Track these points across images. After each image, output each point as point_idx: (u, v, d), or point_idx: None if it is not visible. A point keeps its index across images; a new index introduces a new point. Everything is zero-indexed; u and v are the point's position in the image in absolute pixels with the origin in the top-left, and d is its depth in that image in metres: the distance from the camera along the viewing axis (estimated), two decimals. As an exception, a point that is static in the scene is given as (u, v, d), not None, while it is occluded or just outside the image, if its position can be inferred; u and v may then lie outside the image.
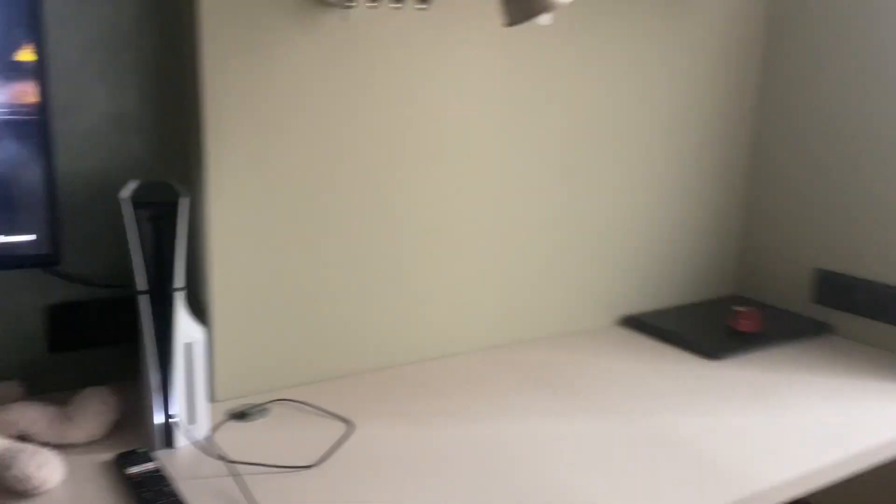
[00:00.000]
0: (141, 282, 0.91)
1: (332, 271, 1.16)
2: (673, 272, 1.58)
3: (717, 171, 1.59)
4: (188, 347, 0.95)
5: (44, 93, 0.95)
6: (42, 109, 0.95)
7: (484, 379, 1.22)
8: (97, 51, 1.05)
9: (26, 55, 0.93)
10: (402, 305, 1.24)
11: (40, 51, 0.94)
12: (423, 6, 0.93)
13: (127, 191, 0.93)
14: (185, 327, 0.94)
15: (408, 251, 1.23)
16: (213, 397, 1.10)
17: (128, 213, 0.88)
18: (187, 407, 0.96)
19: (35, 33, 0.93)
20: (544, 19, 0.91)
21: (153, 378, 0.93)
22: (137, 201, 0.89)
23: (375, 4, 1.04)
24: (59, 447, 0.94)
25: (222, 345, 1.09)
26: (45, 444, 0.92)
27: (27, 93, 0.94)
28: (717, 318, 1.52)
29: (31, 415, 0.94)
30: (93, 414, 0.96)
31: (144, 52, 1.07)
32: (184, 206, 0.92)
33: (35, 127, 0.95)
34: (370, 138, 1.15)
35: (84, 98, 1.05)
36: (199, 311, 1.10)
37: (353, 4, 1.05)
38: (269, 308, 1.11)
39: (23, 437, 0.93)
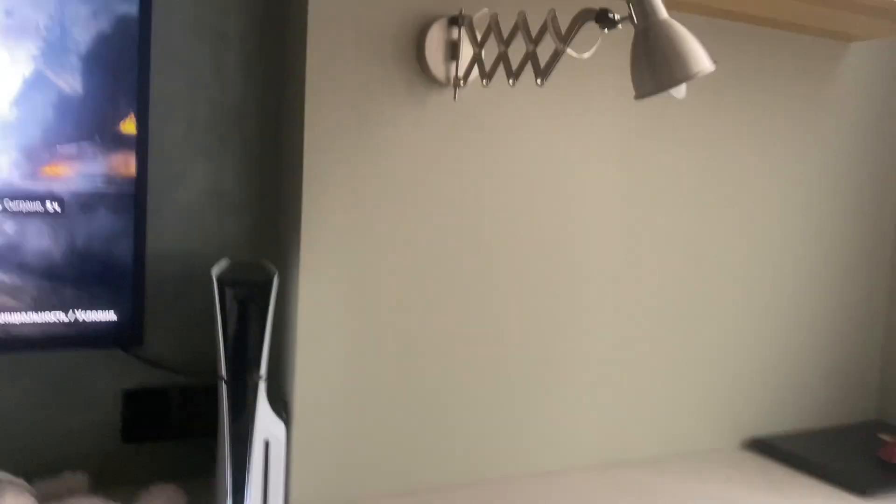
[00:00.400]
0: (223, 367, 0.82)
1: (430, 372, 1.05)
2: (807, 390, 1.40)
3: (859, 270, 1.42)
4: (268, 445, 0.85)
5: (142, 166, 0.92)
6: (139, 183, 0.92)
7: (587, 500, 1.06)
8: (199, 128, 1.02)
9: (128, 127, 0.91)
10: (504, 413, 1.11)
11: (142, 124, 0.91)
12: (539, 83, 0.86)
13: (217, 268, 0.87)
14: (267, 422, 0.85)
15: (514, 353, 1.11)
16: (288, 501, 0.99)
17: (215, 291, 0.81)
18: (261, 511, 0.85)
19: (140, 105, 0.91)
20: (679, 91, 0.82)
21: (227, 476, 0.82)
22: (225, 279, 0.82)
23: (486, 83, 0.98)
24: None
25: (302, 444, 0.98)
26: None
27: (126, 165, 0.91)
28: (862, 446, 1.31)
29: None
30: (157, 514, 0.86)
31: (245, 131, 1.04)
32: (274, 286, 0.85)
33: (130, 200, 0.91)
34: (478, 226, 1.06)
35: (183, 174, 1.02)
36: (280, 405, 1.00)
37: (462, 84, 0.99)
38: (357, 407, 1.01)
39: (81, 536, 0.84)
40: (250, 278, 0.84)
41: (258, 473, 0.84)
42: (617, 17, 0.81)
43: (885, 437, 1.34)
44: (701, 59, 0.77)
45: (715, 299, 1.28)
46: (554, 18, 0.86)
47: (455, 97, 1.01)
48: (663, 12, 0.78)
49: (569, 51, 0.87)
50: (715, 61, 0.79)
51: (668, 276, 1.22)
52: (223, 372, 0.82)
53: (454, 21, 0.99)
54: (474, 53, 0.97)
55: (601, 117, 1.13)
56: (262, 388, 0.84)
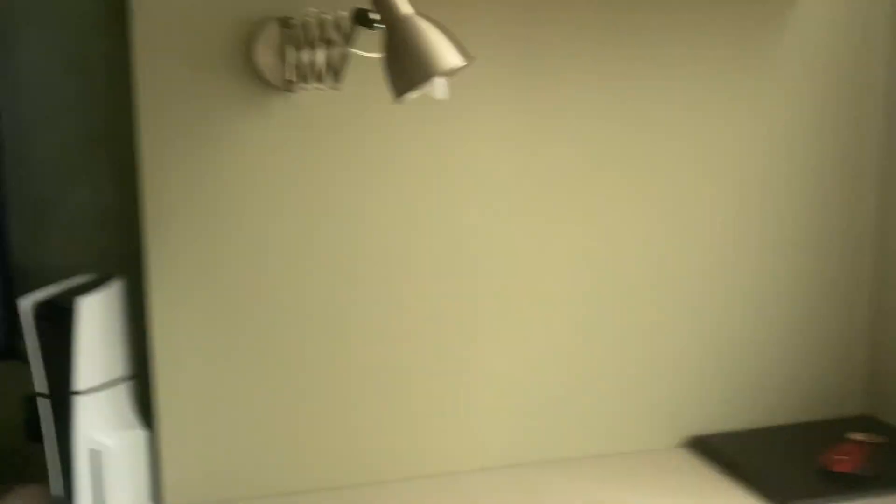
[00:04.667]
0: (40, 384, 0.88)
1: (300, 372, 1.06)
2: (774, 381, 1.26)
3: (835, 242, 1.26)
4: (98, 454, 0.90)
5: (0, 191, 0.98)
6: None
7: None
8: (74, 150, 1.07)
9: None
10: (390, 411, 1.10)
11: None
12: (334, 87, 0.83)
13: (44, 292, 0.92)
14: (92, 433, 0.89)
15: (399, 350, 1.09)
16: (162, 501, 1.04)
17: (25, 315, 0.86)
18: (97, 517, 0.90)
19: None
20: (439, 91, 0.76)
21: (53, 485, 0.88)
22: (37, 301, 0.87)
23: (322, 87, 0.95)
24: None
25: (171, 448, 1.03)
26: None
27: (-19, 193, 0.97)
28: (819, 448, 1.17)
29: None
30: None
31: (117, 152, 1.08)
32: (84, 308, 0.88)
33: (-12, 224, 0.98)
34: (330, 229, 1.05)
35: (60, 194, 1.07)
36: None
37: (300, 87, 0.97)
38: (224, 411, 1.04)
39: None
40: (59, 298, 0.88)
41: (85, 482, 0.89)
42: (375, 17, 0.77)
43: (857, 436, 1.20)
44: (446, 55, 0.72)
45: (658, 267, 1.17)
46: (338, 20, 0.83)
47: (286, 102, 0.99)
48: (404, 9, 0.73)
49: (357, 51, 0.83)
50: (470, 56, 0.73)
51: (592, 241, 1.14)
52: (41, 388, 0.87)
53: (285, 23, 0.97)
54: (296, 57, 0.94)
55: (477, 95, 1.06)
56: (80, 401, 0.89)
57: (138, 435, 0.99)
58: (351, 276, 1.06)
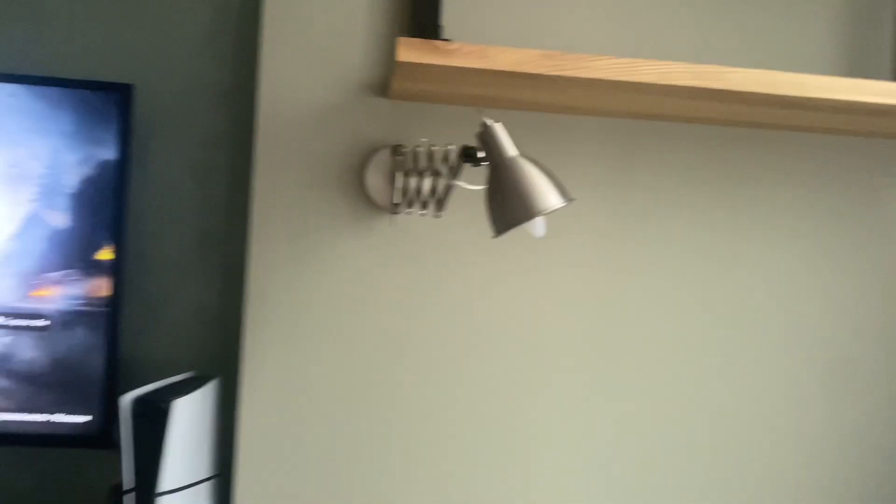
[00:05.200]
0: (128, 478, 0.90)
1: (385, 491, 1.04)
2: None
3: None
4: (172, 557, 0.90)
5: (117, 289, 1.05)
6: (114, 303, 1.05)
7: None
8: (187, 251, 1.14)
9: (106, 255, 1.05)
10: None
11: (119, 252, 1.05)
12: (436, 215, 0.85)
13: (143, 389, 0.96)
14: (169, 535, 0.90)
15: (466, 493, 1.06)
16: None
17: (123, 410, 0.90)
18: None
19: (116, 235, 1.05)
20: (537, 230, 0.77)
21: (126, 584, 0.89)
22: (136, 398, 0.91)
23: (425, 213, 0.99)
24: None
25: (242, 556, 1.02)
26: None
27: (103, 288, 1.05)
28: None
29: None
30: None
31: (227, 256, 1.14)
32: (178, 410, 0.91)
33: (104, 318, 1.05)
34: (422, 344, 1.05)
35: (171, 292, 1.14)
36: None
37: (398, 212, 1.00)
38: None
39: None
40: (156, 397, 0.92)
41: (158, 583, 0.89)
42: (482, 154, 0.79)
43: None
44: (547, 196, 0.73)
45: (739, 414, 1.11)
46: (447, 153, 0.86)
47: (391, 224, 1.03)
48: (510, 150, 0.75)
49: (460, 183, 0.86)
50: (570, 197, 0.73)
51: (678, 385, 1.10)
52: (128, 484, 0.90)
53: (396, 151, 1.02)
54: (403, 183, 0.98)
55: (570, 226, 1.07)
56: (162, 501, 0.90)
57: (213, 539, 0.99)
58: (442, 391, 1.06)
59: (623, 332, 1.09)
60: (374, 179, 1.01)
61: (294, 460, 1.03)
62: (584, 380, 1.08)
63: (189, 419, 0.95)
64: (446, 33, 1.01)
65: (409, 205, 0.97)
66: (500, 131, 0.75)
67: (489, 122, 0.75)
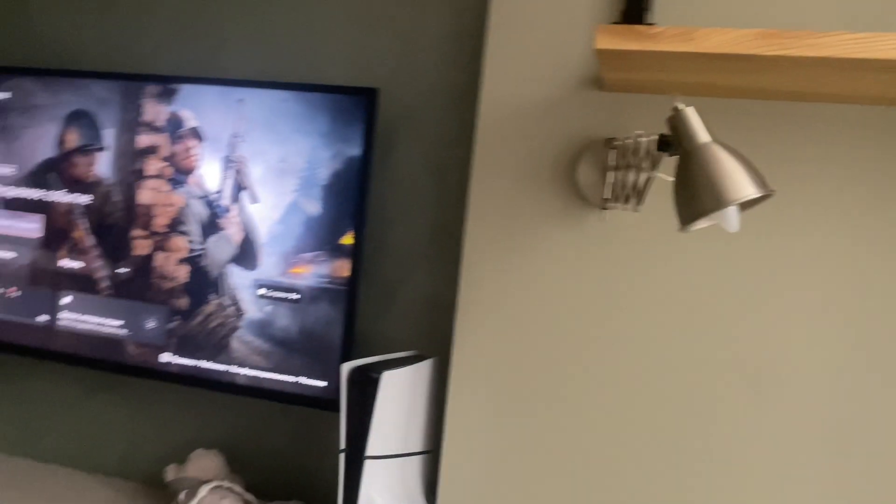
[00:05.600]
0: (343, 440, 1.00)
1: (581, 471, 1.03)
2: None
3: None
4: (375, 516, 0.99)
5: (355, 271, 1.17)
6: (352, 283, 1.17)
7: None
8: (422, 241, 1.23)
9: (348, 240, 1.18)
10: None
11: (358, 237, 1.17)
12: (634, 209, 0.81)
13: (365, 360, 1.06)
14: (373, 496, 0.99)
15: (687, 456, 1.00)
16: (428, 582, 1.09)
17: (342, 377, 1.00)
18: (364, 575, 0.99)
19: (357, 223, 1.17)
20: (731, 223, 0.69)
21: (337, 533, 0.99)
22: (354, 369, 1.01)
23: (626, 208, 0.95)
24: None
25: (444, 530, 1.08)
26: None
27: (344, 269, 1.18)
28: None
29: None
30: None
31: (455, 245, 1.21)
32: (387, 380, 0.99)
33: (344, 296, 1.18)
34: (627, 339, 1.01)
35: (405, 277, 1.24)
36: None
37: (613, 206, 0.98)
38: (503, 497, 1.06)
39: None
40: (371, 368, 1.00)
41: (362, 538, 0.98)
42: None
43: None
44: (739, 185, 0.67)
45: None
46: (641, 145, 0.83)
47: (601, 219, 1.00)
48: (702, 136, 0.70)
49: (661, 175, 0.82)
50: (768, 187, 0.66)
51: None
52: (342, 445, 1.00)
53: (610, 144, 1.00)
54: (614, 177, 0.96)
55: (800, 238, 0.95)
56: (368, 464, 0.99)
57: (418, 509, 1.06)
58: (645, 382, 1.01)
59: (880, 364, 0.93)
60: (586, 173, 1.00)
61: (498, 444, 1.06)
62: (828, 418, 0.95)
63: (399, 392, 1.03)
64: (659, 19, 0.96)
65: (617, 199, 0.94)
66: (692, 116, 0.70)
67: (680, 105, 0.70)
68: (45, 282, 1.32)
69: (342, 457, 1.00)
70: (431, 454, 1.13)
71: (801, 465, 0.95)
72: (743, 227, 0.93)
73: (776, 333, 0.96)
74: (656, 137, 0.81)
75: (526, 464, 1.05)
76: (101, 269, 1.29)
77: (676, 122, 0.71)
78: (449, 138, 1.22)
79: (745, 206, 0.69)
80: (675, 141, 0.71)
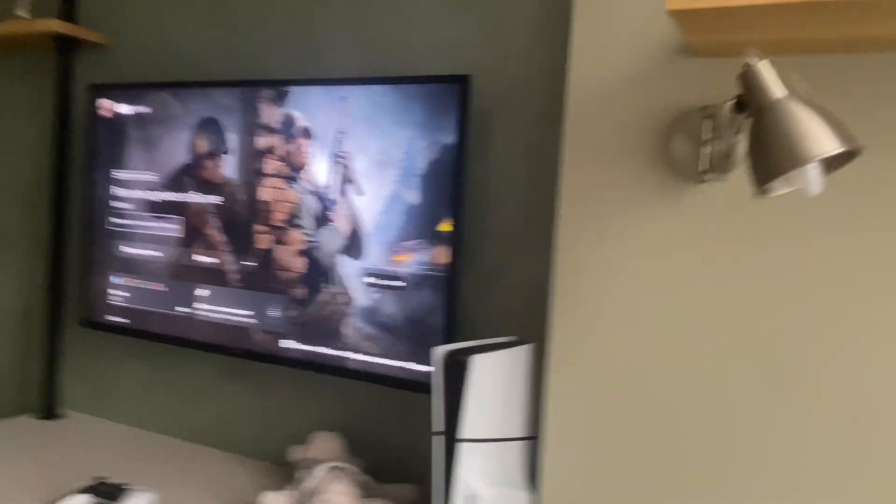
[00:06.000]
0: (437, 423, 1.02)
1: (686, 456, 0.98)
2: None
3: None
4: (470, 500, 1.00)
5: (455, 257, 1.19)
6: (452, 269, 1.19)
7: None
8: (517, 228, 1.23)
9: (446, 227, 1.19)
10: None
11: (458, 224, 1.19)
12: (719, 178, 0.76)
13: (459, 344, 1.07)
14: (469, 480, 1.00)
15: (780, 432, 0.92)
16: (532, 567, 1.08)
17: (435, 360, 1.02)
18: (463, 556, 1.00)
19: (455, 209, 1.19)
20: (812, 185, 0.62)
21: (434, 514, 1.01)
22: (449, 353, 1.02)
23: (716, 177, 0.89)
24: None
25: (548, 515, 1.07)
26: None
27: (444, 256, 1.20)
28: None
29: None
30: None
31: (552, 228, 1.19)
32: (478, 364, 1.00)
33: (445, 282, 1.20)
34: (726, 317, 0.95)
35: (502, 265, 1.24)
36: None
37: (708, 178, 0.92)
38: (607, 484, 1.03)
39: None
40: (462, 352, 1.01)
41: (458, 521, 0.99)
42: (753, 101, 0.70)
43: None
44: (819, 141, 0.61)
45: None
46: (723, 109, 0.78)
47: (696, 192, 0.95)
48: (777, 92, 0.64)
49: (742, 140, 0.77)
50: (856, 143, 0.60)
51: None
52: (437, 427, 1.01)
53: (703, 112, 0.94)
54: (709, 146, 0.91)
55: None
56: (464, 447, 1.00)
57: (519, 495, 1.06)
58: (742, 370, 0.94)
59: None
60: (680, 146, 0.95)
61: (599, 431, 1.03)
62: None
63: (492, 376, 1.03)
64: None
65: (712, 170, 0.89)
66: (765, 70, 0.64)
67: (752, 60, 0.65)
68: (184, 276, 1.45)
69: (436, 439, 1.02)
70: (534, 440, 1.12)
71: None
72: (869, 199, 0.84)
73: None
74: (713, 107, 0.76)
75: (629, 451, 1.01)
76: (230, 263, 1.40)
77: (748, 78, 0.66)
78: (544, 121, 1.21)
79: (831, 166, 0.62)
80: (749, 98, 0.66)
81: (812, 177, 0.63)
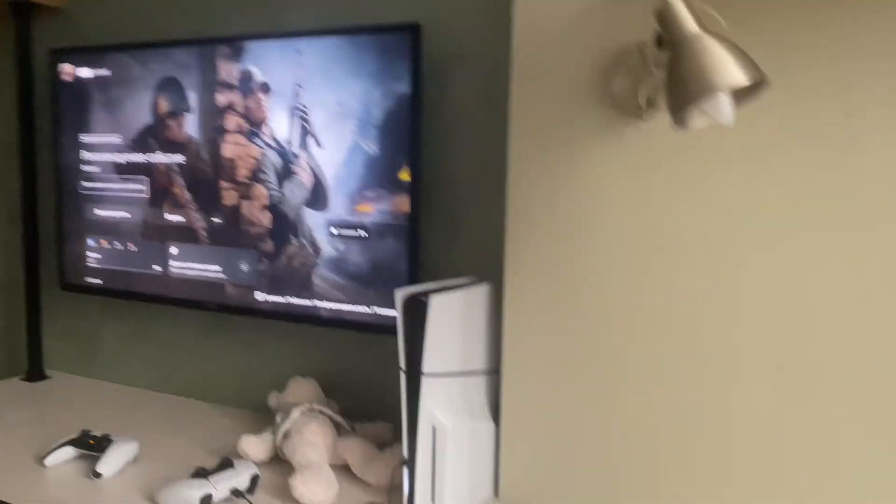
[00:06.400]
0: (402, 361, 1.07)
1: (636, 390, 1.04)
2: None
3: None
4: (434, 431, 1.05)
5: (414, 205, 1.22)
6: (413, 218, 1.23)
7: None
8: (475, 176, 1.26)
9: (404, 175, 1.23)
10: (712, 462, 0.99)
11: (414, 173, 1.22)
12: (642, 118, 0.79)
13: (419, 287, 1.11)
14: (433, 411, 1.05)
15: (737, 383, 0.98)
16: (497, 493, 1.14)
17: (397, 303, 1.06)
18: (431, 486, 1.06)
19: (412, 158, 1.21)
20: (723, 114, 0.65)
21: (404, 449, 1.07)
22: (407, 295, 1.06)
23: (644, 116, 0.92)
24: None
25: (510, 443, 1.12)
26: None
27: (404, 204, 1.23)
28: None
29: (354, 449, 1.21)
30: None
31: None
32: (436, 304, 1.04)
33: (406, 230, 1.23)
34: (672, 253, 0.99)
35: (462, 211, 1.27)
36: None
37: (649, 114, 0.96)
38: (561, 415, 1.09)
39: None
40: (422, 293, 1.05)
41: (425, 453, 1.05)
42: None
43: None
44: (728, 72, 0.64)
45: None
46: (643, 47, 0.81)
47: (636, 129, 0.98)
48: (689, 28, 0.67)
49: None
50: (763, 76, 0.64)
51: None
52: (401, 364, 1.06)
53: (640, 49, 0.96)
54: (641, 83, 0.93)
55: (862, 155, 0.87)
56: (426, 381, 1.05)
57: (483, 426, 1.11)
58: (693, 300, 0.99)
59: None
60: (620, 83, 0.97)
61: (552, 358, 1.08)
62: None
63: (451, 314, 1.07)
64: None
65: (650, 105, 0.92)
66: (678, 5, 0.67)
67: (668, -3, 0.68)
68: (155, 236, 1.48)
69: (402, 376, 1.07)
70: (497, 374, 1.17)
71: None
72: (810, 135, 0.88)
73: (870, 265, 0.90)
74: (639, 44, 0.78)
75: (583, 383, 1.06)
76: (199, 221, 1.43)
77: (664, 14, 0.69)
78: (500, 69, 1.23)
79: (742, 98, 0.65)
80: (665, 34, 0.69)
81: (724, 108, 0.66)
